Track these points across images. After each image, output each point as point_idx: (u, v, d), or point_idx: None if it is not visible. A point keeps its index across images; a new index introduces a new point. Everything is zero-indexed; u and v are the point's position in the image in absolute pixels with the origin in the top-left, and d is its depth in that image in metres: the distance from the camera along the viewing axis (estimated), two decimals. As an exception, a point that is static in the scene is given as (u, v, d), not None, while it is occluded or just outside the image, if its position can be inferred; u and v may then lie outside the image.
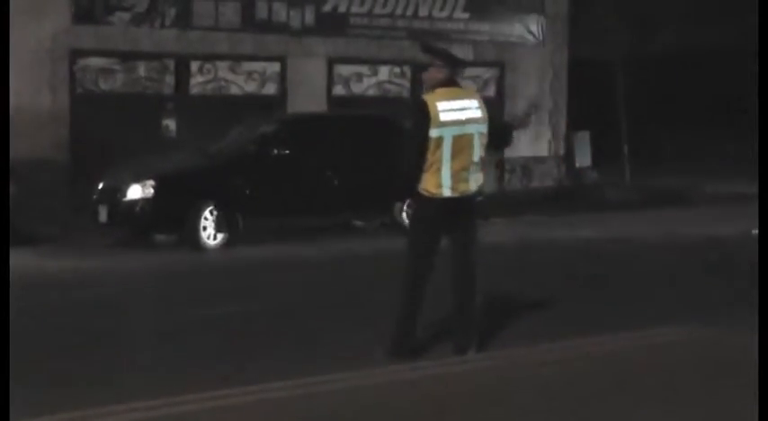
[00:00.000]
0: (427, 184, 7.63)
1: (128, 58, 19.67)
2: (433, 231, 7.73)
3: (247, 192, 15.52)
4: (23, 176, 16.14)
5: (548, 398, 6.69)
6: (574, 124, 24.33)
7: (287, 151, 16.00)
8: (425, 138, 7.56)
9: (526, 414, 6.39)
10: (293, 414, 6.46)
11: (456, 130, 7.59)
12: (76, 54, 19.20)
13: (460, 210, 7.72)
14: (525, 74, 23.66)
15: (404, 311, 7.72)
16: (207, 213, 15.10)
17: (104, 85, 19.58)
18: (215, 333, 8.91)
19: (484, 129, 7.75)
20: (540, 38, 23.80)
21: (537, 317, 9.47)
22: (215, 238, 15.15)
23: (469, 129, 7.65)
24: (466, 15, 22.70)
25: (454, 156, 7.59)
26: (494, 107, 7.99)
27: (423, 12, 22.19)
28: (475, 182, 7.74)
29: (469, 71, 23.19)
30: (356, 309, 9.93)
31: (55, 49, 18.79)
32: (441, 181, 7.60)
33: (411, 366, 7.53)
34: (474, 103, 7.74)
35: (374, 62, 21.57)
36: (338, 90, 21.75)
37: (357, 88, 21.93)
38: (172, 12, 19.84)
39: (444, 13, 22.44)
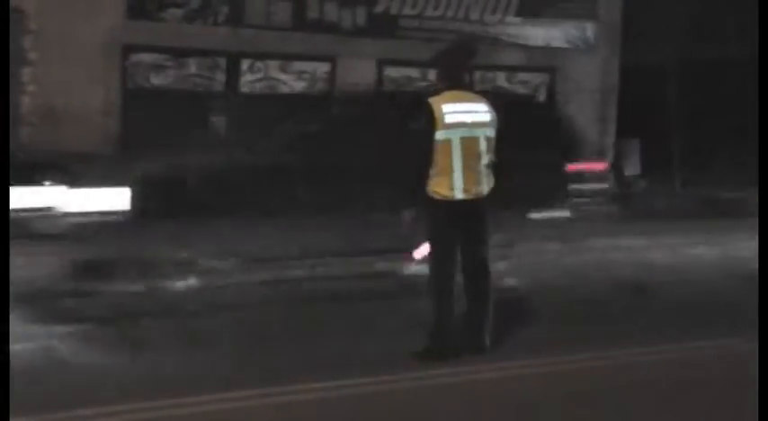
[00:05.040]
0: (439, 187, 7.64)
1: (179, 54, 19.80)
2: (450, 234, 7.72)
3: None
4: (73, 170, 16.26)
5: (577, 409, 6.64)
6: (624, 131, 24.14)
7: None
8: (430, 140, 7.58)
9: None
10: (321, 417, 6.46)
11: (463, 132, 7.62)
12: (129, 49, 19.33)
13: (473, 211, 7.73)
14: (576, 80, 23.50)
15: (436, 316, 7.70)
16: (251, 211, 15.12)
17: (155, 81, 19.72)
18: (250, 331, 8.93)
19: (491, 133, 7.78)
20: (593, 43, 23.64)
21: (572, 325, 9.40)
22: (259, 236, 15.16)
23: (476, 131, 7.69)
24: (518, 20, 22.61)
25: (465, 158, 7.61)
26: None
27: (474, 15, 22.13)
28: (488, 184, 7.74)
29: (520, 76, 23.15)
30: (397, 313, 9.90)
31: (107, 44, 18.92)
32: (453, 183, 7.63)
33: (448, 371, 7.50)
34: (482, 106, 7.77)
35: (424, 65, 21.50)
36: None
37: (407, 90, 21.88)
38: (224, 9, 19.94)
39: (496, 17, 22.36)
